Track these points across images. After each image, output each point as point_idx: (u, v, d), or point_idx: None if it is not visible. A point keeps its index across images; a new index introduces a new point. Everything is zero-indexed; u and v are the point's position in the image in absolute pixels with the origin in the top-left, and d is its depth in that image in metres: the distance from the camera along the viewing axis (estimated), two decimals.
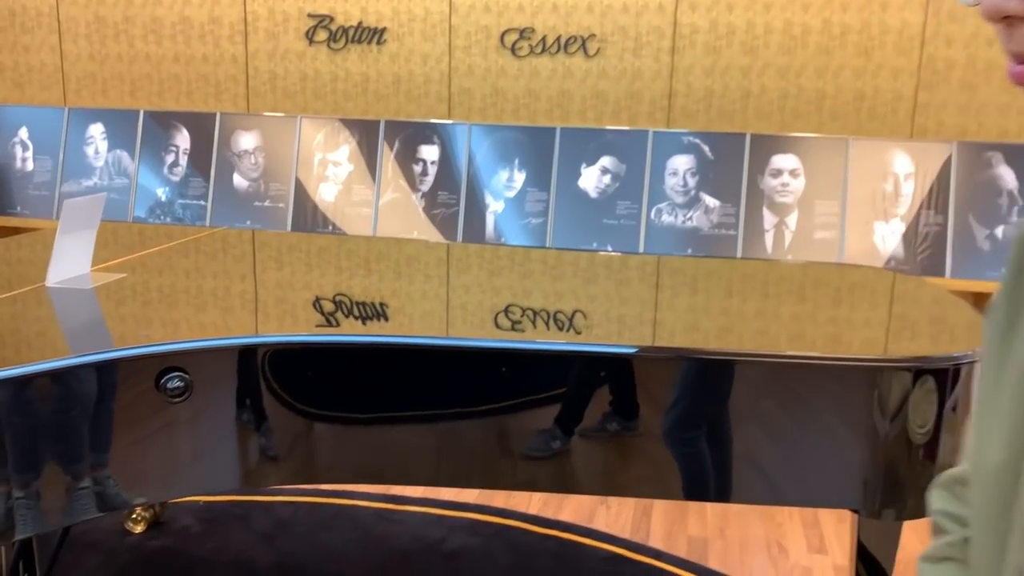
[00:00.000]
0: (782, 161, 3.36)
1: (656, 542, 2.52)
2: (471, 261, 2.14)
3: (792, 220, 3.34)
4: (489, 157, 3.58)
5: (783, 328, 1.66)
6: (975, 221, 3.22)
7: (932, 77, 3.25)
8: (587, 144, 3.51)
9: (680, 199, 3.42)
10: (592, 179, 3.50)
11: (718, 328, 1.63)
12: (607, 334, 1.57)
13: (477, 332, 1.43)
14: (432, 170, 3.62)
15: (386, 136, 3.67)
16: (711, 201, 3.40)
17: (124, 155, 3.89)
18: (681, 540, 2.56)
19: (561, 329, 1.49)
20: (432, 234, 3.58)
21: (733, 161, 3.39)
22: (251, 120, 3.79)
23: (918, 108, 3.28)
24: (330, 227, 3.68)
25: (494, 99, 3.60)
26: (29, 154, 3.97)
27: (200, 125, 3.83)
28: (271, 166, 3.76)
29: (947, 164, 3.24)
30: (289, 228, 3.71)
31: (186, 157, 3.84)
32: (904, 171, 3.28)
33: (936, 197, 3.24)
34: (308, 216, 3.71)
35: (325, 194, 3.71)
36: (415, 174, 3.64)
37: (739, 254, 3.34)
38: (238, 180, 3.79)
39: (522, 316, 1.54)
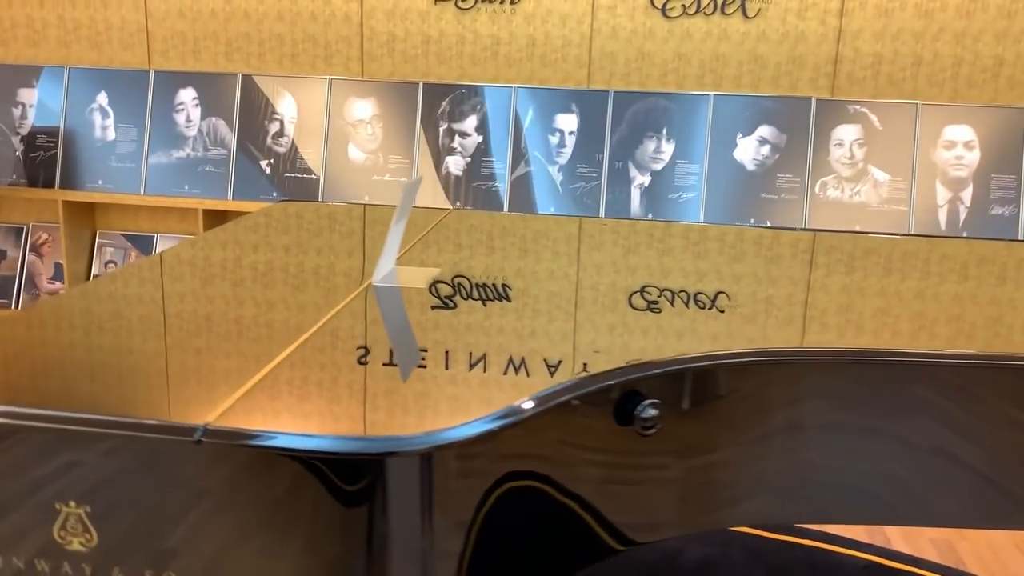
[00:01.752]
0: (956, 132, 3.16)
1: (899, 546, 2.35)
2: (605, 237, 1.94)
3: (967, 195, 3.15)
4: (633, 126, 3.32)
5: (942, 309, 1.46)
6: None
7: None
8: (743, 112, 3.27)
9: (847, 172, 3.21)
10: (749, 150, 3.26)
11: (873, 309, 1.43)
12: (753, 315, 1.35)
13: (610, 313, 1.25)
14: (570, 141, 3.35)
15: (518, 104, 3.38)
16: (880, 175, 3.19)
17: (221, 123, 3.54)
18: (922, 542, 2.39)
19: (703, 308, 1.37)
20: (570, 210, 3.32)
21: (903, 132, 3.19)
22: (367, 87, 3.47)
23: None
24: (457, 203, 3.40)
25: (639, 63, 3.33)
26: (110, 122, 3.60)
27: (308, 91, 3.50)
28: (390, 137, 3.46)
29: None
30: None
31: (292, 127, 3.51)
32: None
33: None
34: (432, 191, 3.42)
35: (452, 167, 3.42)
36: (551, 145, 3.37)
37: (911, 230, 3.15)
38: (354, 152, 3.48)
39: (659, 296, 1.42)
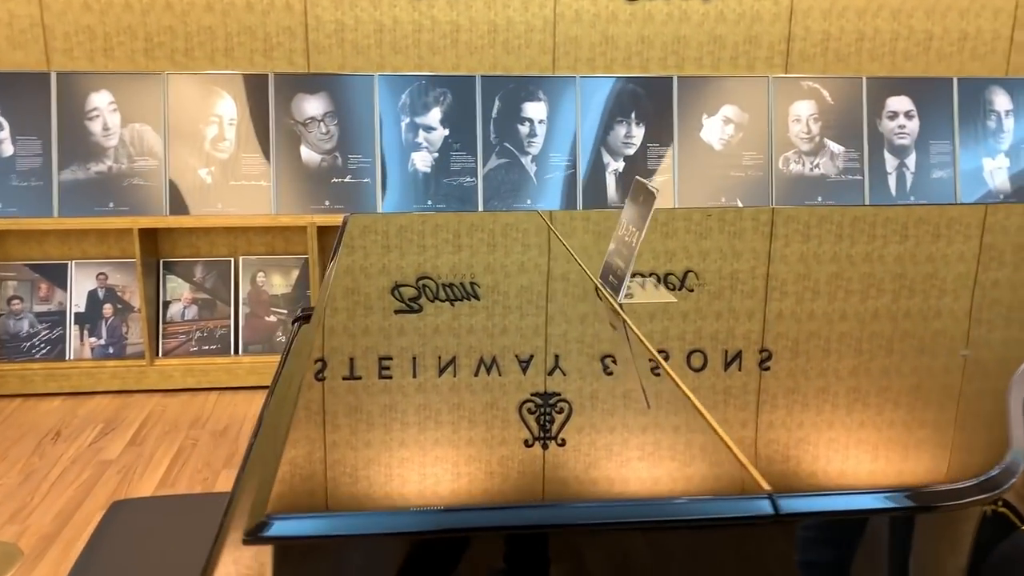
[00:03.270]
0: (897, 103, 3.39)
1: None
2: (576, 224, 1.94)
3: (911, 161, 3.39)
4: (603, 112, 3.28)
5: (887, 269, 1.62)
6: None
7: None
8: (706, 93, 3.32)
9: (805, 146, 3.35)
10: (715, 130, 3.32)
11: (827, 274, 1.58)
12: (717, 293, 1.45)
13: (581, 303, 1.32)
14: (541, 130, 3.26)
15: (483, 94, 3.24)
16: (835, 147, 3.36)
17: (147, 129, 3.13)
18: None
19: (673, 289, 1.40)
20: (548, 201, 3.25)
21: (852, 105, 3.37)
22: (315, 81, 3.19)
23: (1014, 47, 3.42)
24: (428, 201, 3.22)
25: (604, 48, 3.29)
26: (5, 134, 3.08)
27: (248, 89, 3.16)
28: (347, 135, 3.21)
29: None
30: (379, 209, 3.20)
31: (233, 129, 3.16)
32: (1004, 108, 3.43)
33: None
34: (402, 190, 3.22)
35: (419, 164, 3.23)
36: (521, 136, 3.26)
37: (866, 198, 3.35)
38: (307, 154, 3.19)
39: (632, 280, 1.42)
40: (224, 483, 2.56)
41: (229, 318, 3.24)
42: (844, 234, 1.94)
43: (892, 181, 3.39)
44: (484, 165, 3.24)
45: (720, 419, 0.93)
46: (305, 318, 1.96)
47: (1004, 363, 1.14)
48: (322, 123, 3.19)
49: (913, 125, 3.39)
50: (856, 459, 0.87)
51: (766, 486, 0.80)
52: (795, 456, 0.87)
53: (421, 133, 3.23)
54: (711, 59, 3.32)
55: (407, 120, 3.22)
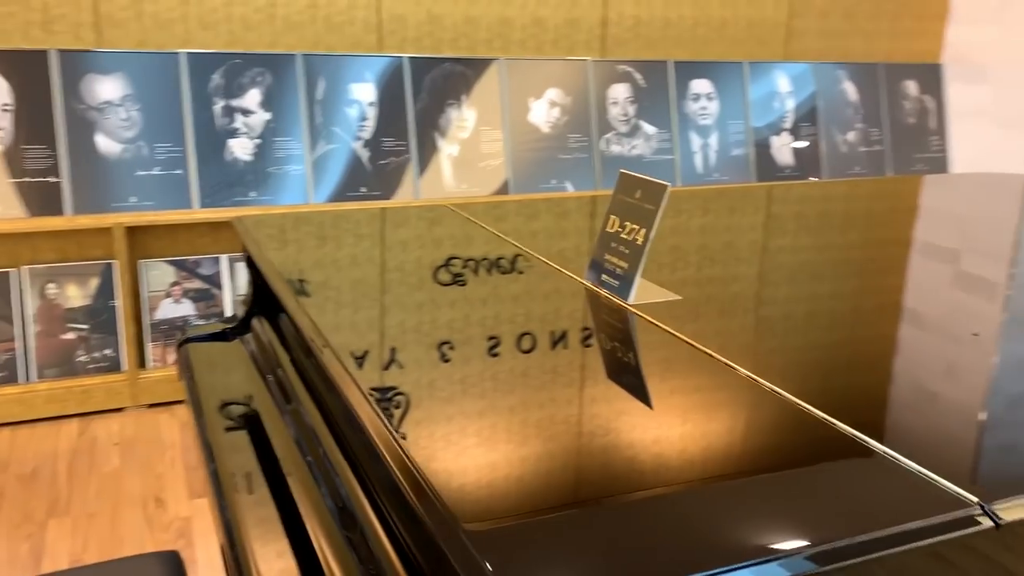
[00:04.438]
0: (699, 86, 3.61)
1: None
2: (408, 214, 1.93)
3: (714, 141, 3.63)
4: (434, 94, 3.17)
5: (691, 240, 1.89)
6: (836, 130, 3.88)
7: (801, 7, 3.76)
8: (531, 76, 3.32)
9: (623, 128, 3.47)
10: (542, 113, 3.34)
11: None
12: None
13: (415, 293, 1.34)
14: (371, 113, 3.08)
15: (307, 74, 3.00)
16: (649, 128, 3.51)
17: None
18: None
19: (505, 273, 1.44)
20: (384, 189, 3.09)
21: (661, 88, 3.54)
22: (109, 60, 2.76)
23: (791, 33, 3.77)
24: (250, 193, 2.94)
25: (430, 27, 3.16)
26: None
27: (25, 70, 2.67)
28: (153, 121, 2.82)
29: (811, 82, 3.82)
30: (196, 204, 2.86)
31: (10, 116, 2.66)
32: (785, 90, 3.78)
33: (807, 111, 3.82)
34: (221, 181, 2.90)
35: (238, 151, 2.92)
36: (351, 119, 3.06)
37: (677, 178, 3.55)
38: (105, 143, 2.77)
39: (464, 267, 1.46)
40: (55, 536, 2.17)
41: (14, 340, 2.74)
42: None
43: (699, 160, 3.60)
44: (312, 151, 3.00)
45: (547, 398, 0.95)
46: (206, 338, 1.69)
47: (792, 319, 1.23)
48: (121, 108, 2.77)
49: (713, 106, 3.62)
50: (669, 424, 0.89)
51: None
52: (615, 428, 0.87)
53: (239, 117, 2.92)
54: (535, 42, 3.32)
55: (221, 103, 2.89)
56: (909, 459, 0.88)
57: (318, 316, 1.24)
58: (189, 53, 2.83)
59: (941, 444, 0.92)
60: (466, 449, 0.87)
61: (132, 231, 2.80)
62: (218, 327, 1.72)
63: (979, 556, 0.80)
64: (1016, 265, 1.63)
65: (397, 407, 0.97)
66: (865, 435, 0.92)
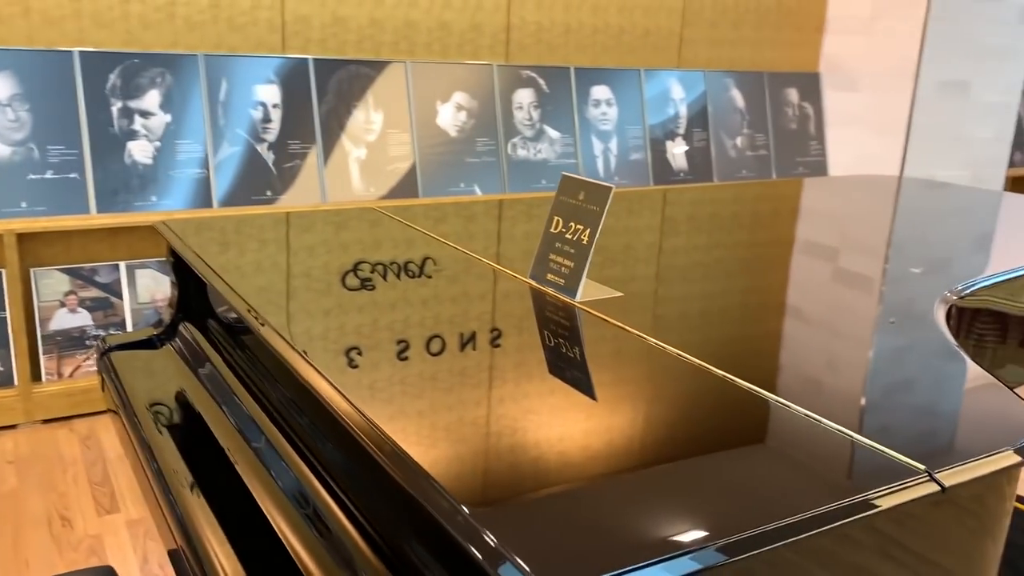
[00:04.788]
0: (599, 92, 3.72)
1: None
2: (315, 218, 1.93)
3: (614, 145, 3.75)
4: (340, 96, 3.15)
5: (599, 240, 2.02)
6: (725, 136, 4.07)
7: (692, 16, 3.92)
8: (438, 79, 3.34)
9: (529, 132, 3.54)
10: (449, 116, 3.36)
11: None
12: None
13: (324, 298, 1.30)
14: (276, 115, 3.03)
15: (208, 75, 2.92)
16: (553, 133, 3.60)
17: None
18: None
19: (413, 277, 1.42)
20: (292, 194, 3.05)
21: (564, 94, 3.62)
22: None
23: (683, 42, 3.94)
24: (152, 198, 2.84)
25: (335, 29, 3.13)
26: None
27: None
28: (43, 122, 2.68)
29: (702, 89, 4.00)
30: (93, 210, 2.74)
31: None
32: (679, 97, 3.94)
33: (699, 117, 3.99)
34: (120, 186, 2.79)
35: (138, 155, 2.82)
36: (255, 121, 3.00)
37: None
38: None
39: (372, 272, 1.43)
40: None
41: None
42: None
43: (600, 164, 3.71)
44: (215, 155, 2.92)
45: (456, 400, 0.98)
46: (127, 346, 1.63)
47: (688, 318, 1.35)
48: (9, 108, 2.63)
49: (613, 112, 3.74)
50: (584, 424, 0.98)
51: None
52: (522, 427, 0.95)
53: (138, 119, 2.81)
54: (440, 45, 3.34)
55: (119, 104, 2.78)
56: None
57: (274, 316, 1.23)
58: (83, 52, 2.71)
59: (822, 433, 1.00)
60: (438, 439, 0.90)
61: (23, 238, 2.66)
62: (143, 334, 1.66)
63: (923, 518, 0.87)
64: (889, 261, 1.77)
65: (376, 401, 0.98)
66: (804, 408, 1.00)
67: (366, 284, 1.41)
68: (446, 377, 1.05)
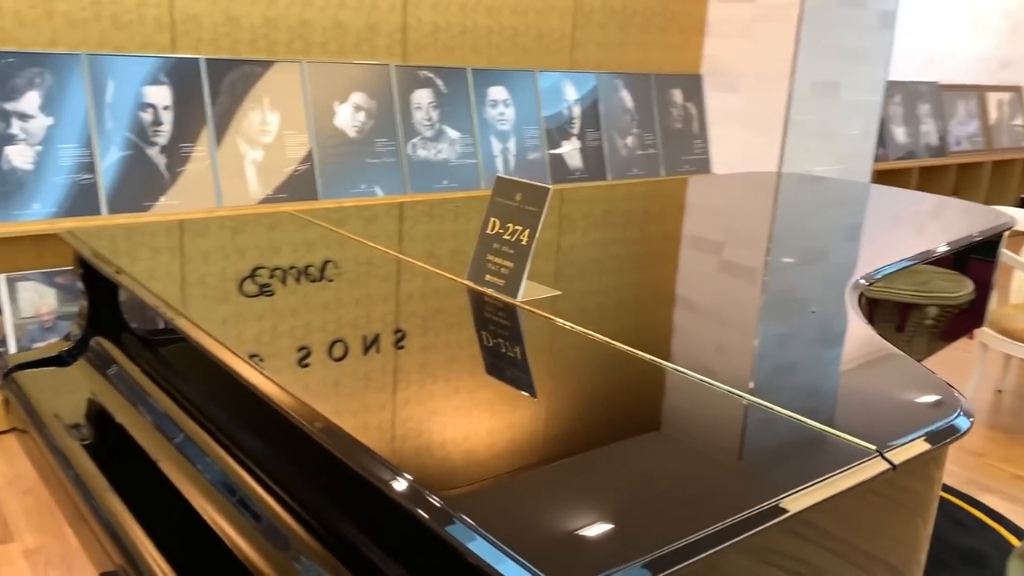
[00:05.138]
0: (496, 92, 3.75)
1: None
2: (209, 223, 1.87)
3: (512, 145, 3.79)
4: (234, 97, 3.05)
5: (470, 240, 2.14)
6: (616, 135, 4.18)
7: (583, 19, 4.01)
8: (335, 79, 3.29)
9: (428, 133, 3.53)
10: (347, 117, 3.32)
11: (450, 249, 1.88)
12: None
13: (221, 306, 1.24)
14: (167, 117, 2.91)
15: (93, 75, 2.77)
16: (453, 133, 3.60)
17: None
18: None
19: (314, 281, 1.40)
20: (185, 198, 2.93)
21: (462, 94, 3.64)
22: None
23: (575, 44, 4.02)
24: (33, 206, 2.67)
25: (227, 28, 3.03)
26: None
27: None
28: None
29: (594, 90, 4.09)
30: None
31: None
32: (572, 97, 4.01)
33: (591, 117, 4.08)
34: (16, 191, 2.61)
35: (16, 160, 2.65)
36: (145, 123, 2.87)
37: (480, 181, 3.67)
38: None
39: (271, 277, 1.40)
40: None
41: None
42: (460, 212, 2.13)
43: (500, 163, 3.74)
44: (103, 159, 2.78)
45: (368, 403, 0.99)
46: (35, 364, 1.53)
47: (587, 312, 1.43)
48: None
49: (510, 112, 3.78)
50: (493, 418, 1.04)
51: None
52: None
53: (15, 122, 2.64)
54: (336, 45, 3.29)
55: None
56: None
57: (208, 321, 1.18)
58: None
59: (713, 418, 1.06)
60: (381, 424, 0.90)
61: None
62: (52, 350, 1.57)
63: (879, 494, 0.94)
64: (770, 252, 1.87)
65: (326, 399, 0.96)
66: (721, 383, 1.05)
67: (293, 284, 1.38)
68: (379, 376, 1.05)
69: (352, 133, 3.31)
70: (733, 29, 4.46)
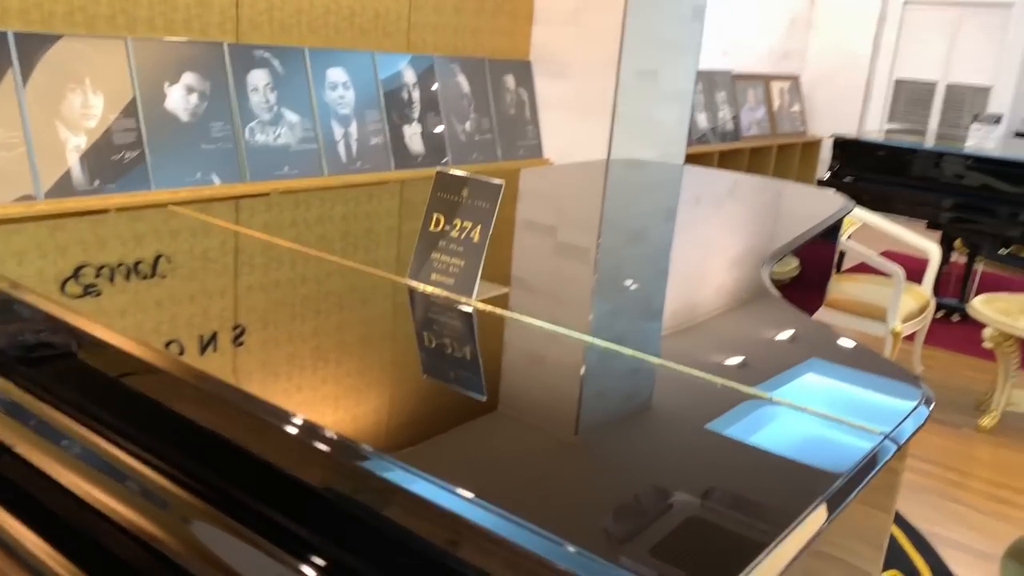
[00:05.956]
0: (335, 75, 3.60)
1: None
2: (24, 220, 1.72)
3: (354, 130, 3.66)
4: (50, 77, 2.72)
5: (337, 229, 2.19)
6: (456, 120, 4.15)
7: (419, 1, 3.93)
8: (164, 59, 3.01)
9: (266, 116, 3.34)
10: (179, 100, 3.06)
11: (316, 236, 1.74)
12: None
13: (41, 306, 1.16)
14: None
15: None
16: (292, 116, 3.42)
17: None
18: None
19: (145, 279, 1.33)
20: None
21: (299, 76, 3.46)
22: None
23: (412, 26, 3.93)
24: None
25: (37, 0, 2.69)
26: None
27: None
28: None
29: (431, 73, 4.04)
30: None
31: None
32: (411, 81, 3.94)
33: (430, 101, 4.03)
34: None
35: None
36: None
37: (324, 168, 3.52)
38: None
39: (97, 277, 1.32)
40: None
41: None
42: (300, 201, 2.09)
43: (342, 149, 3.60)
44: None
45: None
46: None
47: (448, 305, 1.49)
48: None
49: (350, 95, 3.64)
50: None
51: None
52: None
53: None
54: (163, 20, 3.01)
55: None
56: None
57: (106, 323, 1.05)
58: None
59: (551, 401, 1.11)
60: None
61: None
62: None
63: (888, 470, 0.99)
64: (601, 235, 1.95)
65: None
66: None
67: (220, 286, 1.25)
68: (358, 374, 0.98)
69: (185, 117, 3.05)
70: (560, 17, 4.55)
